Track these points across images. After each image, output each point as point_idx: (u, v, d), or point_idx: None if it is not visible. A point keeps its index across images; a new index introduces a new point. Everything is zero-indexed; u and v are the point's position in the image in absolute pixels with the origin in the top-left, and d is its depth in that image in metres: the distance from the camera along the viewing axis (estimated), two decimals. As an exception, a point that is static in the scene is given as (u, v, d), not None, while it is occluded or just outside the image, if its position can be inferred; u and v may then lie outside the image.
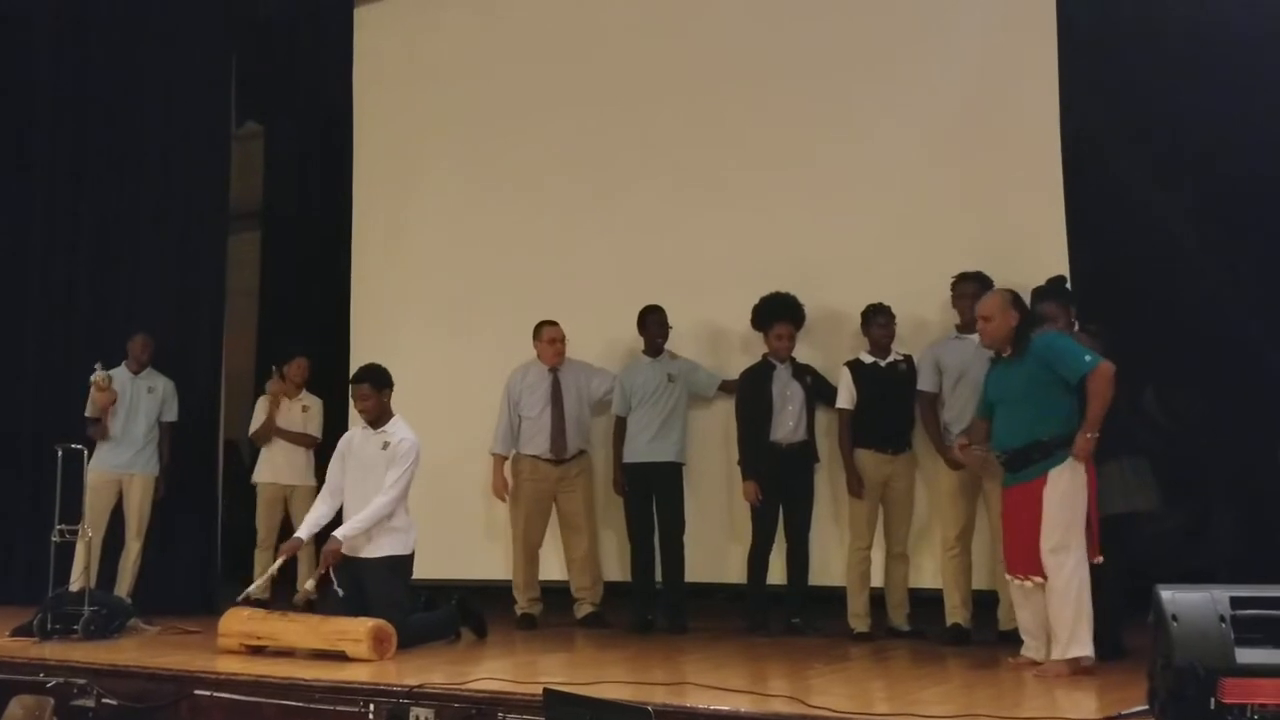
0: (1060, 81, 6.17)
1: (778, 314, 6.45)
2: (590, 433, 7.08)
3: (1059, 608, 4.92)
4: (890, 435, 6.21)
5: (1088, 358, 4.96)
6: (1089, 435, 4.89)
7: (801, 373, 6.49)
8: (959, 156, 6.45)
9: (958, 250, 6.16)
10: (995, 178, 6.35)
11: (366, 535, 6.08)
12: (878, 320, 6.27)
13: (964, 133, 6.44)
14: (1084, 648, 4.88)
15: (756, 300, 6.50)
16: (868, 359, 6.30)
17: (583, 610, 6.90)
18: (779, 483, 6.39)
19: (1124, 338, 6.43)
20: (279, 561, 6.42)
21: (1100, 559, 5.00)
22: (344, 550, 6.13)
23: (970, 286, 5.91)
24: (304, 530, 6.27)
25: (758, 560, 6.42)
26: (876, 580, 6.26)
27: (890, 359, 6.30)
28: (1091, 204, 6.24)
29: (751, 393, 6.47)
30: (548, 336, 6.96)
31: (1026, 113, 6.28)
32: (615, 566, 7.06)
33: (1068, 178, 6.14)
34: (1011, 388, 5.14)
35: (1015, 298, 5.27)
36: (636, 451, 6.76)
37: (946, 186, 6.45)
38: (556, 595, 7.06)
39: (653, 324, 6.87)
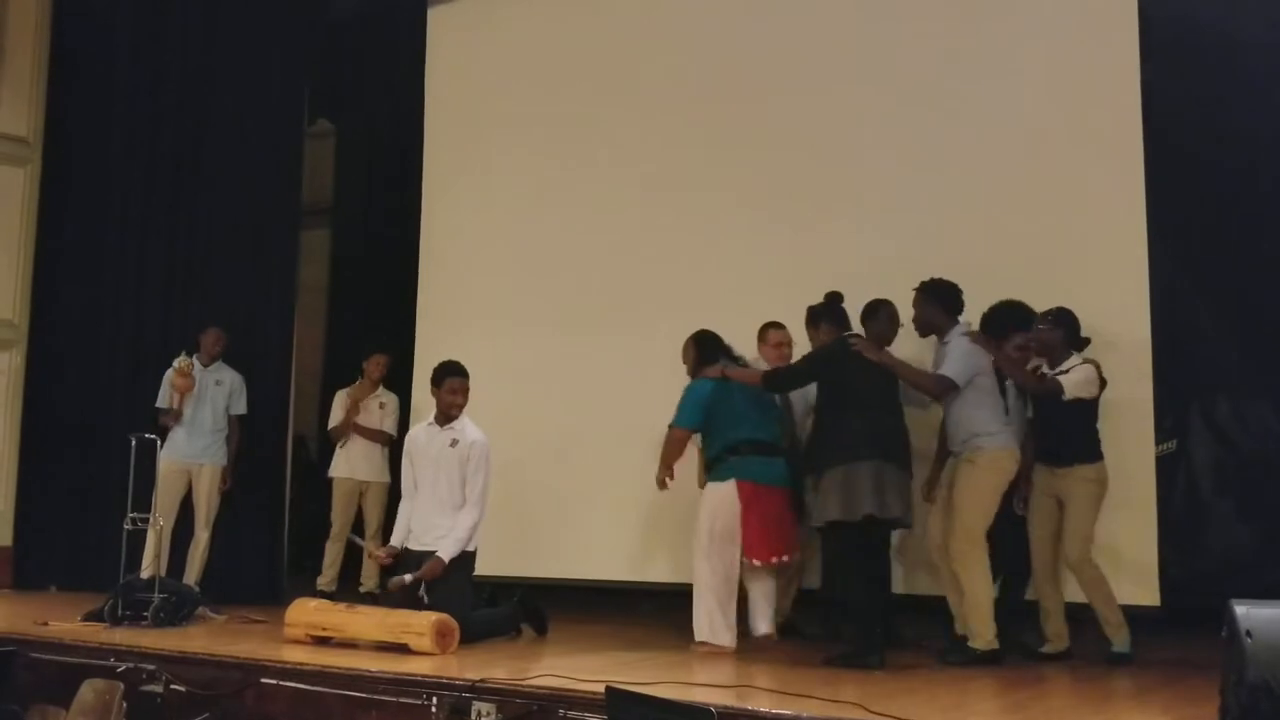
0: (1143, 89, 6.05)
1: (1021, 323, 5.81)
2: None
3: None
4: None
5: (677, 417, 6.01)
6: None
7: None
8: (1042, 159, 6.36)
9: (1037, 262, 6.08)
10: (1075, 191, 6.22)
11: (433, 530, 6.14)
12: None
13: (1047, 139, 6.32)
14: (699, 633, 5.83)
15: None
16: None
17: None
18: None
19: (1201, 350, 6.35)
20: (379, 553, 6.47)
21: (758, 562, 5.82)
22: (409, 545, 6.23)
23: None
24: (397, 538, 6.32)
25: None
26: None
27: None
28: (1173, 215, 6.12)
29: None
30: (774, 340, 6.42)
31: (1106, 122, 6.15)
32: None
33: (1150, 190, 6.00)
34: None
35: (694, 338, 6.19)
36: None
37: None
38: (613, 595, 7.05)
39: (883, 318, 6.02)
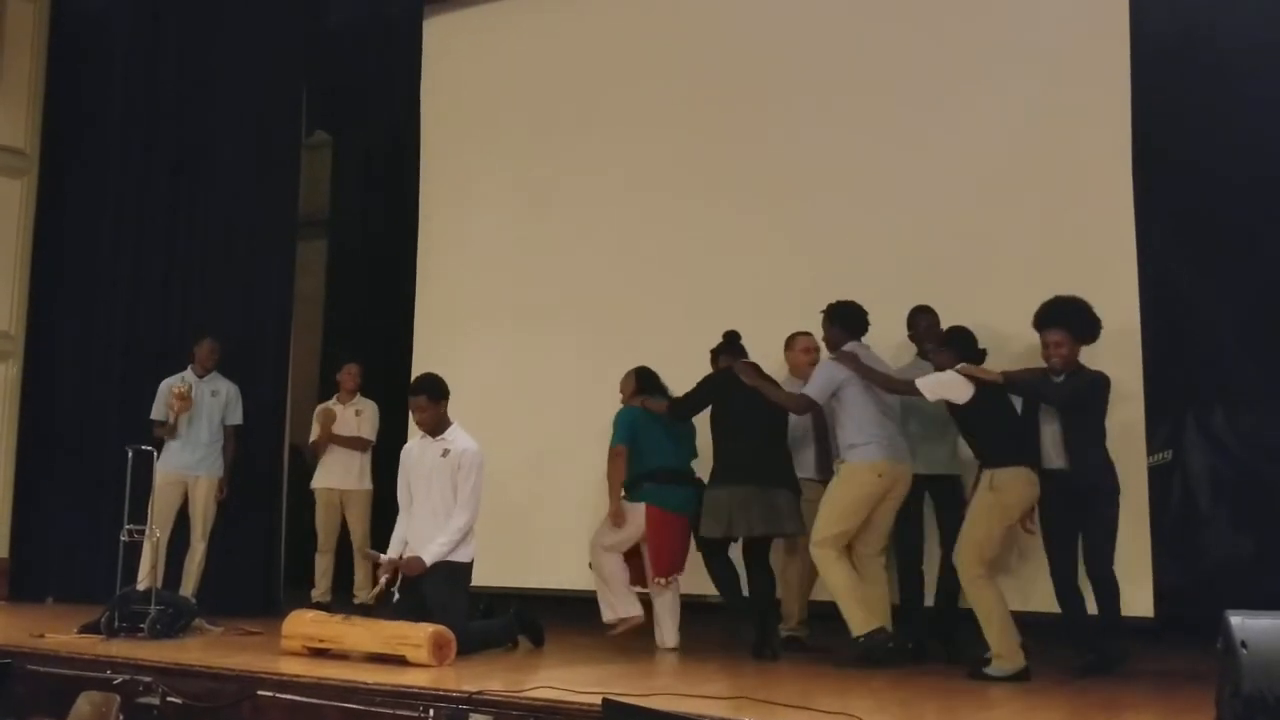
0: (1133, 96, 6.10)
1: (1054, 318, 5.57)
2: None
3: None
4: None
5: (613, 438, 6.40)
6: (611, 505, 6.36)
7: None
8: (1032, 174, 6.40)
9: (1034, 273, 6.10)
10: (1070, 193, 6.28)
11: (430, 542, 6.13)
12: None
13: (1039, 141, 6.39)
14: (608, 615, 6.39)
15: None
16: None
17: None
18: (1070, 512, 5.53)
19: (1196, 359, 6.35)
20: (383, 580, 6.41)
21: (664, 580, 6.29)
22: (407, 555, 6.23)
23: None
24: (394, 550, 6.31)
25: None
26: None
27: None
28: (1167, 220, 6.16)
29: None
30: (801, 346, 6.34)
31: (1097, 122, 6.21)
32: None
33: (1138, 197, 6.05)
34: None
35: (635, 372, 6.59)
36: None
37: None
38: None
39: (923, 325, 6.20)
